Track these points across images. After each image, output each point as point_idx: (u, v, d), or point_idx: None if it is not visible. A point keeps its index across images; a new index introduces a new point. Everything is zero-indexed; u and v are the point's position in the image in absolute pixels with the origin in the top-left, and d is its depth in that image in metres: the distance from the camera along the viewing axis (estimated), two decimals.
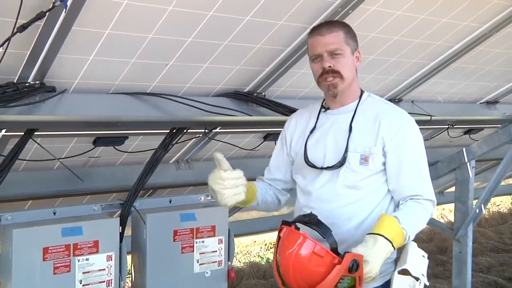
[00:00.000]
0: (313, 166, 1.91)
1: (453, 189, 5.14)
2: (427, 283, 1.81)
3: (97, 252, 2.31)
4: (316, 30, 1.89)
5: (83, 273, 2.27)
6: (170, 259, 2.52)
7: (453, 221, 4.16)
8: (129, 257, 2.64)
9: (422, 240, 6.73)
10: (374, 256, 1.66)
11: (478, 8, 2.62)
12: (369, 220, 1.85)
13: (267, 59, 2.46)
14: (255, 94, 2.66)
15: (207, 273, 2.62)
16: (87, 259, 2.28)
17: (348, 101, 1.94)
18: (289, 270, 1.68)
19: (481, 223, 7.20)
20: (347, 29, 1.91)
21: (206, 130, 2.78)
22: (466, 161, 3.87)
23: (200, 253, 2.59)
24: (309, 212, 1.78)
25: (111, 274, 2.35)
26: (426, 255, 1.86)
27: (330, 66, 1.84)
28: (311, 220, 1.71)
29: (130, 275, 2.73)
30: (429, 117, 3.38)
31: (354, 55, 1.91)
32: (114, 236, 2.39)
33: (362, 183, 1.86)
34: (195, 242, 2.58)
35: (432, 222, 4.45)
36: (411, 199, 1.86)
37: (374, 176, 1.86)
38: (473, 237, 3.99)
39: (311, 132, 1.96)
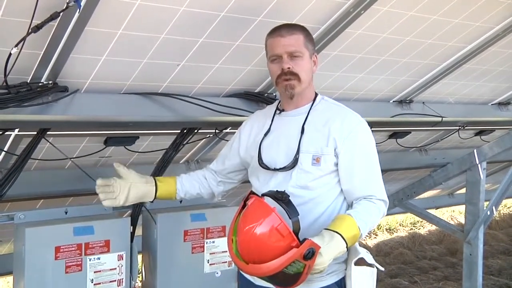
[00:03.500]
0: (266, 167, 1.94)
1: (463, 190, 5.12)
2: (382, 268, 1.88)
3: (108, 251, 2.33)
4: (276, 31, 1.91)
5: (94, 272, 2.29)
6: (180, 259, 2.53)
7: (463, 223, 4.14)
8: (139, 257, 2.66)
9: (432, 242, 6.72)
10: (328, 251, 1.68)
11: (490, 9, 2.60)
12: (321, 219, 1.87)
13: None
14: (265, 95, 2.66)
15: (217, 273, 2.63)
16: (98, 258, 2.30)
17: (302, 103, 1.97)
18: (246, 240, 1.68)
19: (492, 225, 7.16)
20: (306, 33, 1.93)
21: (216, 131, 2.79)
22: (477, 162, 3.85)
23: (210, 253, 2.60)
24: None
25: (122, 273, 2.37)
26: (369, 252, 1.90)
27: (289, 68, 1.87)
28: (282, 198, 1.71)
29: (141, 275, 2.74)
30: (440, 118, 3.36)
31: (311, 59, 1.93)
32: (125, 235, 2.41)
33: (314, 184, 1.87)
34: (205, 242, 2.59)
35: (442, 224, 4.44)
36: (365, 198, 1.88)
37: (326, 176, 1.88)
38: (484, 239, 3.97)
39: (266, 134, 2.00)
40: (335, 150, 1.87)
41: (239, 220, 1.74)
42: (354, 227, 1.76)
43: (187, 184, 2.15)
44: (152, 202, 2.11)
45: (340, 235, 1.71)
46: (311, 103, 1.97)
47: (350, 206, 1.92)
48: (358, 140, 1.89)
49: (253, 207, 1.73)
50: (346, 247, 1.72)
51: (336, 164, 1.88)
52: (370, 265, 1.84)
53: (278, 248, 1.63)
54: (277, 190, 1.76)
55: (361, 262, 1.83)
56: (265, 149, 1.98)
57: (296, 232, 1.66)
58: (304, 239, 1.64)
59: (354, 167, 1.88)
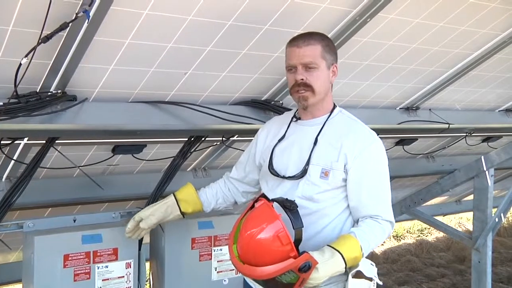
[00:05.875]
0: (276, 174, 1.94)
1: (470, 197, 5.11)
2: (381, 283, 1.85)
3: (116, 259, 2.34)
4: (294, 41, 1.90)
5: (102, 280, 2.30)
6: (188, 266, 2.53)
7: (471, 229, 4.13)
8: (147, 265, 2.66)
9: (439, 249, 6.68)
10: (325, 268, 1.67)
11: (497, 16, 2.61)
12: (324, 233, 1.87)
13: (284, 68, 2.47)
14: (272, 103, 2.67)
15: (224, 281, 2.63)
16: (106, 266, 2.31)
17: (319, 114, 1.95)
18: (247, 241, 1.69)
19: (500, 233, 7.11)
20: (325, 43, 1.90)
21: (223, 138, 2.80)
22: (485, 169, 3.84)
23: (218, 261, 2.60)
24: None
25: (130, 281, 2.38)
26: (374, 264, 1.87)
27: (302, 79, 1.86)
28: (290, 207, 1.72)
29: (149, 282, 2.74)
30: (447, 125, 3.36)
31: (330, 69, 1.91)
32: (133, 243, 2.41)
33: (319, 196, 1.86)
34: (213, 250, 2.59)
35: (450, 230, 4.42)
36: (371, 218, 1.86)
37: (333, 190, 1.87)
38: (492, 246, 3.94)
39: (280, 140, 1.99)
40: (345, 166, 1.85)
41: (244, 220, 1.75)
42: (357, 249, 1.75)
43: (210, 200, 2.19)
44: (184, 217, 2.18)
45: (341, 254, 1.70)
46: (328, 114, 1.95)
47: (356, 222, 1.91)
48: (370, 159, 1.87)
49: (260, 210, 1.74)
50: (345, 267, 1.72)
51: (345, 180, 1.87)
52: (369, 278, 1.81)
53: (276, 255, 1.64)
54: (286, 198, 1.77)
55: (359, 274, 1.80)
56: (277, 155, 1.97)
57: (298, 242, 1.67)
58: (303, 252, 1.64)
59: (362, 185, 1.86)
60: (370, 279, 1.81)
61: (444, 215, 5.94)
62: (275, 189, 1.94)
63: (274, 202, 1.76)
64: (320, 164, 1.86)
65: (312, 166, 1.86)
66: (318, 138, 1.90)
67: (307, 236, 1.82)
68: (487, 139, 4.29)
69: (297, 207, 1.72)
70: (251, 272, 1.70)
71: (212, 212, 2.75)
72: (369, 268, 1.82)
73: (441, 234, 7.10)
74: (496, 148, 4.02)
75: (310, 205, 1.87)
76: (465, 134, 3.80)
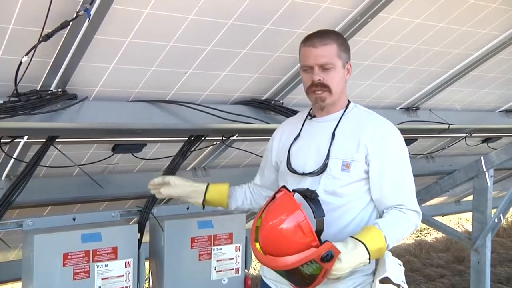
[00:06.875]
0: (294, 172, 1.92)
1: (469, 198, 5.10)
2: None
3: (115, 258, 2.34)
4: (309, 40, 1.88)
5: (102, 279, 2.30)
6: (187, 266, 2.54)
7: (470, 230, 4.12)
8: (147, 264, 2.67)
9: (439, 249, 6.68)
10: (348, 259, 1.65)
11: (497, 16, 2.61)
12: (349, 228, 1.85)
13: (285, 67, 2.47)
14: (272, 102, 2.67)
15: (224, 280, 2.63)
16: (106, 265, 2.31)
17: (334, 110, 1.95)
18: (268, 231, 1.68)
19: (499, 233, 7.11)
20: (340, 41, 1.89)
21: (223, 138, 2.80)
22: (485, 170, 3.83)
23: (217, 260, 2.61)
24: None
25: (129, 280, 2.38)
26: (401, 263, 1.85)
27: (320, 80, 1.85)
28: (311, 196, 1.70)
29: (148, 281, 2.74)
30: (446, 126, 3.36)
31: (345, 67, 1.91)
32: (132, 242, 2.42)
33: (342, 190, 1.85)
34: (212, 249, 2.59)
35: (449, 231, 4.42)
36: (395, 208, 1.84)
37: (356, 183, 1.86)
38: (491, 247, 3.94)
39: (295, 139, 1.98)
40: (366, 157, 1.84)
41: (265, 211, 1.75)
42: (381, 240, 1.72)
43: (240, 201, 2.17)
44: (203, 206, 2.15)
45: (365, 245, 1.68)
46: (343, 110, 1.95)
47: (381, 216, 1.89)
48: (389, 148, 1.86)
49: (280, 201, 1.73)
50: (369, 258, 1.69)
51: (367, 172, 1.85)
52: (397, 284, 1.78)
53: (298, 245, 1.62)
54: (307, 188, 1.76)
55: (387, 280, 1.77)
56: (294, 153, 1.96)
57: (319, 232, 1.65)
58: (326, 241, 1.62)
59: (384, 175, 1.84)
60: (398, 286, 1.77)
61: (444, 215, 5.93)
62: (295, 187, 1.90)
63: (295, 193, 1.75)
64: (340, 157, 1.85)
65: (332, 160, 1.85)
66: (336, 132, 1.88)
67: (334, 231, 1.81)
68: (487, 140, 4.29)
69: (318, 196, 1.71)
70: (274, 263, 1.68)
71: (212, 212, 2.77)
72: (397, 273, 1.78)
73: (440, 235, 7.10)
74: (495, 149, 4.01)
75: (334, 200, 1.85)
76: (465, 135, 3.80)
